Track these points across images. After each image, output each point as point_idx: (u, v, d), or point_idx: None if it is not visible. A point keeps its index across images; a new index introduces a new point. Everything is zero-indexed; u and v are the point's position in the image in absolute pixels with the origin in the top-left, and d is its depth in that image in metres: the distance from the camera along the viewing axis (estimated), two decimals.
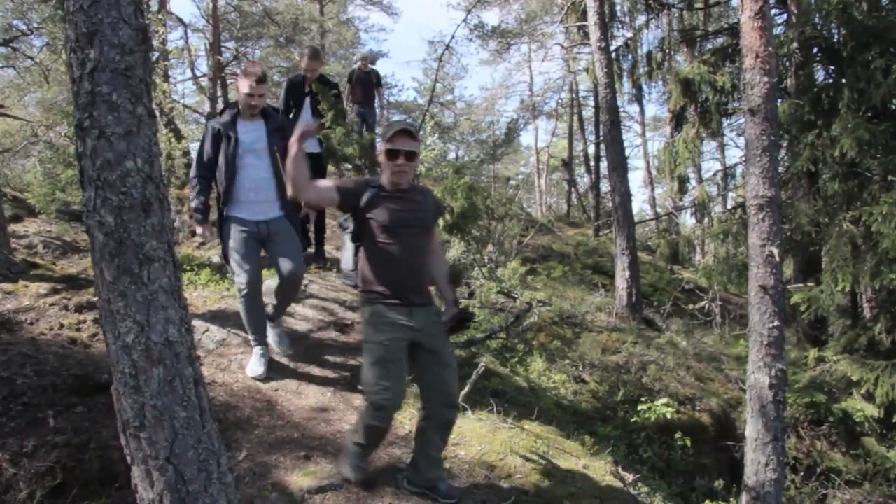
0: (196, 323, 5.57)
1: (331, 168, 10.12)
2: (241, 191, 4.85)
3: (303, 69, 7.32)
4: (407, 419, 4.95)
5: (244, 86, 5.01)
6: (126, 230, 2.48)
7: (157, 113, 11.79)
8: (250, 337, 5.17)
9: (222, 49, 22.74)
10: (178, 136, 12.74)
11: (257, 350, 5.17)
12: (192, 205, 4.99)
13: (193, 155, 5.27)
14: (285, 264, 4.89)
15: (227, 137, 4.84)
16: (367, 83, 11.76)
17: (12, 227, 9.36)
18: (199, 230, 5.15)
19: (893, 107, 8.96)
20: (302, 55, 7.28)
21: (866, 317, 9.80)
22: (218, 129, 4.88)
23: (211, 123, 4.96)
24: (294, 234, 5.06)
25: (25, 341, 4.81)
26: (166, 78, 14.18)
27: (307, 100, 7.25)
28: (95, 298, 5.62)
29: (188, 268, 7.21)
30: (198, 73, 22.71)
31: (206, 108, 21.46)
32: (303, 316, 6.36)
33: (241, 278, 4.85)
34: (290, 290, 5.15)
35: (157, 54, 12.84)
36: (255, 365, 5.13)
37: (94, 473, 3.61)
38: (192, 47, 21.52)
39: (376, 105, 12.30)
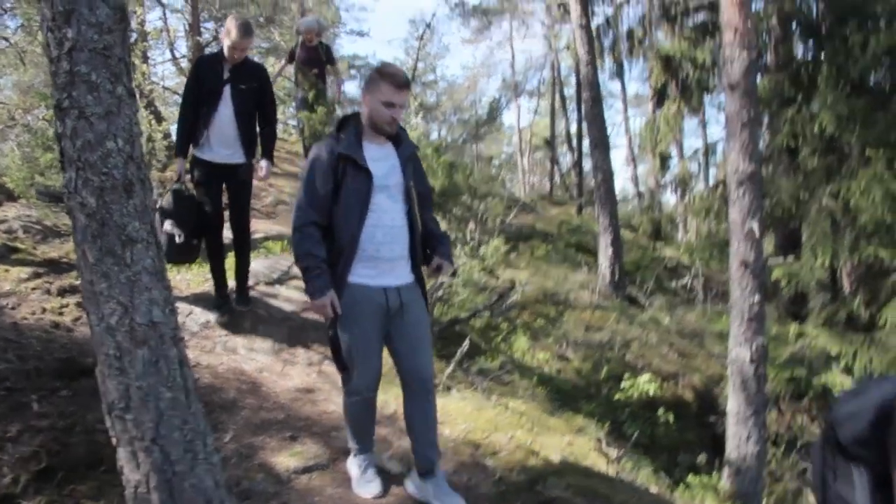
0: (180, 305, 5.55)
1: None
2: (371, 244, 3.35)
3: (227, 46, 5.18)
4: (391, 399, 4.97)
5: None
6: (108, 211, 2.46)
7: (137, 95, 11.66)
8: (351, 444, 3.80)
9: (202, 30, 22.45)
10: (159, 118, 12.63)
11: (360, 461, 3.78)
12: (303, 264, 3.29)
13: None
14: (414, 364, 3.51)
15: (352, 167, 3.33)
16: (315, 61, 9.62)
17: None
18: (320, 302, 3.26)
19: (871, 82, 9.02)
20: (228, 29, 5.15)
21: (845, 291, 9.91)
22: (339, 154, 3.33)
23: (322, 147, 3.40)
24: (426, 312, 3.66)
25: (7, 326, 4.78)
26: (145, 59, 13.99)
27: (226, 89, 5.24)
28: (78, 282, 5.59)
29: None
30: (177, 55, 22.41)
31: None
32: (286, 297, 6.36)
33: (360, 380, 3.47)
34: (422, 405, 3.65)
35: (135, 35, 12.68)
36: (366, 484, 3.72)
37: (80, 457, 3.60)
38: (171, 28, 21.17)
39: (329, 88, 10.13)
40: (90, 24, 2.41)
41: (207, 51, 23.06)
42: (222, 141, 5.27)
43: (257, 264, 6.80)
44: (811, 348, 8.70)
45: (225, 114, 5.24)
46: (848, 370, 8.19)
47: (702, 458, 6.39)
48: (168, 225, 5.14)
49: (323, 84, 9.50)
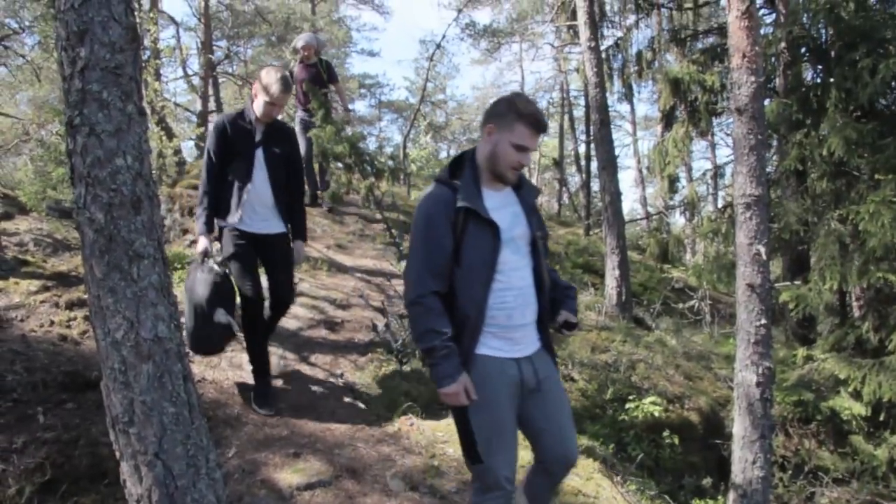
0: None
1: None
2: (501, 311, 2.81)
3: (264, 102, 4.48)
4: (396, 417, 4.98)
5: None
6: (116, 227, 2.50)
7: (149, 112, 11.79)
8: None
9: (214, 48, 22.70)
10: (170, 135, 12.75)
11: None
12: (427, 345, 2.73)
13: (420, 256, 2.84)
14: (563, 449, 3.02)
15: (475, 221, 2.79)
16: (316, 80, 8.89)
17: (3, 224, 9.34)
18: (451, 390, 2.71)
19: (880, 106, 9.03)
20: (267, 84, 4.43)
21: (854, 315, 9.86)
22: (462, 208, 2.77)
23: (435, 200, 2.84)
24: (562, 383, 3.22)
25: (16, 338, 4.82)
26: (158, 76, 14.17)
27: (259, 153, 4.61)
28: (86, 295, 5.63)
29: (179, 266, 7.22)
30: (189, 72, 22.67)
31: (198, 106, 21.41)
32: (293, 314, 6.38)
33: (502, 471, 2.84)
34: (557, 482, 3.29)
35: (148, 53, 12.85)
36: None
37: (84, 470, 3.63)
38: (184, 46, 21.49)
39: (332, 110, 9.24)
40: (103, 43, 2.46)
41: (220, 69, 23.35)
42: (259, 211, 4.61)
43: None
44: (819, 372, 8.65)
45: (260, 181, 4.57)
46: (856, 395, 8.13)
47: (707, 482, 6.36)
48: (221, 315, 4.37)
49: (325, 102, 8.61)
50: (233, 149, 4.55)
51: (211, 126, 4.68)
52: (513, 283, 2.83)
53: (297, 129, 8.90)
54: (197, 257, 4.55)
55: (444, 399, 2.80)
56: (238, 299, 4.74)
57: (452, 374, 2.70)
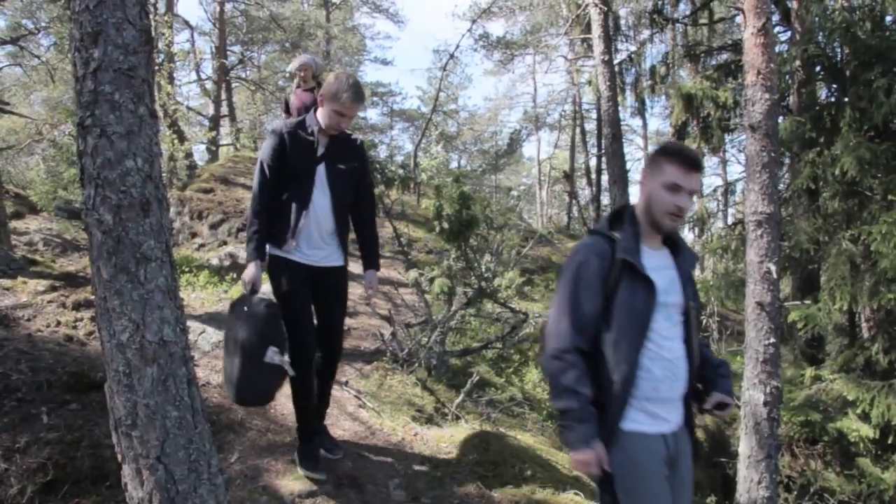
0: (193, 324, 5.58)
1: None
2: (649, 381, 2.56)
3: (332, 111, 3.90)
4: (400, 426, 4.95)
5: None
6: (124, 229, 2.49)
7: (161, 115, 11.84)
8: None
9: (228, 53, 22.82)
10: (182, 139, 12.80)
11: None
12: (563, 404, 2.51)
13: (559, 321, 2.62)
14: None
15: (630, 277, 2.56)
16: (313, 103, 7.02)
17: (13, 223, 9.39)
18: (583, 456, 2.48)
19: (895, 127, 8.98)
20: (336, 91, 3.86)
21: (864, 336, 9.79)
22: (620, 260, 2.56)
23: (589, 248, 2.63)
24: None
25: (22, 338, 4.82)
26: (171, 80, 14.24)
27: (321, 169, 3.98)
28: (93, 296, 5.64)
29: (187, 269, 7.23)
30: (203, 76, 22.82)
31: (210, 110, 21.52)
32: None
33: None
34: None
35: (162, 56, 12.91)
36: None
37: (86, 471, 3.62)
38: (198, 50, 21.64)
39: None
40: (116, 45, 2.46)
41: (233, 74, 23.45)
42: (317, 238, 3.96)
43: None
44: (827, 393, 8.59)
45: (321, 203, 3.92)
46: (865, 417, 8.06)
47: (711, 500, 6.31)
48: (274, 354, 3.69)
49: None
50: (291, 164, 3.89)
51: (267, 135, 3.99)
52: (663, 353, 2.58)
53: None
54: (244, 288, 3.89)
55: (575, 466, 2.56)
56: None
57: (587, 439, 2.46)
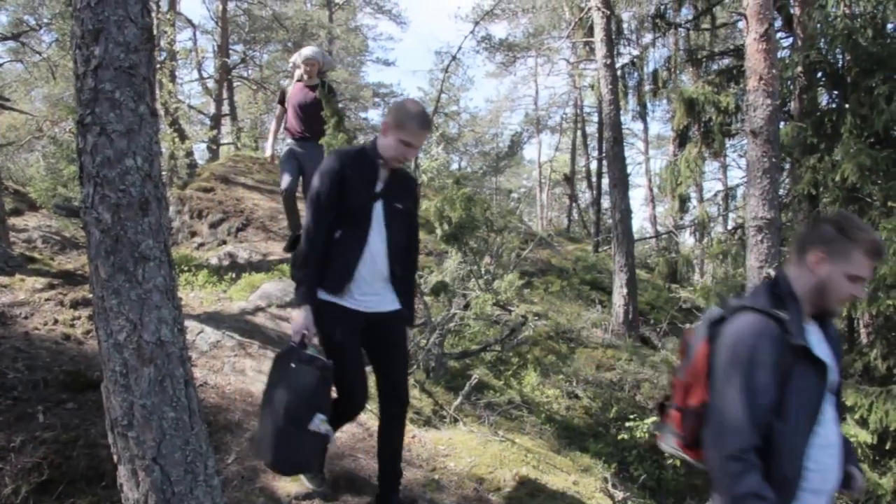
0: (191, 324, 5.57)
1: None
2: (818, 473, 2.35)
3: (398, 141, 3.44)
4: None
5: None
6: (123, 228, 2.48)
7: (162, 113, 11.84)
8: None
9: (230, 52, 22.82)
10: (183, 137, 12.80)
11: None
12: None
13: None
14: None
15: (802, 363, 2.31)
16: (313, 107, 7.34)
17: (12, 220, 9.37)
18: None
19: (895, 134, 8.99)
20: (402, 120, 3.41)
21: (862, 342, 9.78)
22: (796, 346, 2.30)
23: (759, 331, 2.31)
24: None
25: (19, 336, 4.80)
26: (173, 78, 14.25)
27: (378, 207, 3.56)
28: (91, 295, 5.62)
29: (186, 269, 7.21)
30: (205, 75, 22.80)
31: (212, 109, 21.50)
32: None
33: None
34: None
35: (164, 54, 12.91)
36: None
37: (81, 471, 3.60)
38: (200, 49, 21.59)
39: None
40: (118, 43, 2.45)
41: (235, 73, 23.44)
42: (372, 284, 3.55)
43: (270, 286, 6.82)
44: None
45: (377, 244, 3.52)
46: (863, 422, 8.05)
47: None
48: (321, 423, 3.27)
49: (321, 128, 7.17)
50: (349, 199, 3.46)
51: (323, 165, 3.52)
52: (830, 439, 2.36)
53: (284, 161, 7.52)
54: (293, 338, 3.43)
55: None
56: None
57: None
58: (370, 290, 3.55)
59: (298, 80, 7.59)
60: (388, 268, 3.58)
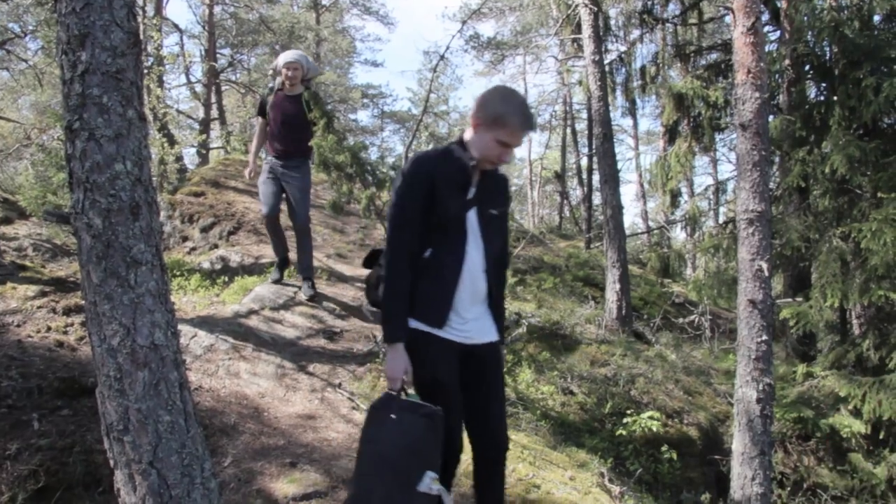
0: (184, 328, 5.56)
1: (322, 177, 10.07)
2: None
3: (497, 142, 2.90)
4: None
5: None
6: (114, 233, 2.48)
7: (151, 118, 11.80)
8: None
9: (217, 56, 22.77)
10: (172, 142, 12.75)
11: None
12: None
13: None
14: None
15: None
16: (296, 118, 6.64)
17: (2, 229, 9.33)
18: None
19: (884, 125, 9.04)
20: (503, 115, 2.86)
21: (855, 333, 9.83)
22: None
23: None
24: None
25: (11, 343, 4.79)
26: (161, 83, 14.18)
27: (472, 216, 3.02)
28: (83, 301, 5.60)
29: (178, 273, 7.20)
30: (192, 79, 22.75)
31: (200, 114, 21.46)
32: (291, 323, 6.35)
33: None
34: None
35: (151, 59, 12.86)
36: None
37: (78, 477, 3.60)
38: (188, 53, 21.53)
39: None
40: (104, 47, 2.45)
41: (223, 77, 23.37)
42: (471, 307, 3.01)
43: (263, 289, 6.81)
44: (819, 389, 8.62)
45: (474, 260, 2.98)
46: (856, 413, 8.09)
47: (705, 498, 6.31)
48: (431, 482, 2.73)
49: (302, 153, 6.74)
50: (441, 208, 2.90)
51: (405, 167, 3.00)
52: None
53: (263, 183, 6.78)
54: (389, 385, 2.89)
55: None
56: None
57: None
58: (470, 317, 3.00)
59: (279, 90, 6.70)
60: (486, 287, 3.04)
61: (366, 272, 3.28)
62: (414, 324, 2.91)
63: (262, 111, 6.85)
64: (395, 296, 2.88)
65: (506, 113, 2.86)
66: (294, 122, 6.64)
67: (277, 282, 7.12)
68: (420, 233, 2.90)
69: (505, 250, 3.23)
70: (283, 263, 7.25)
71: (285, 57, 6.67)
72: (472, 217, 2.98)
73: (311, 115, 6.63)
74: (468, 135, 2.99)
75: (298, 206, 6.74)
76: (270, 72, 7.25)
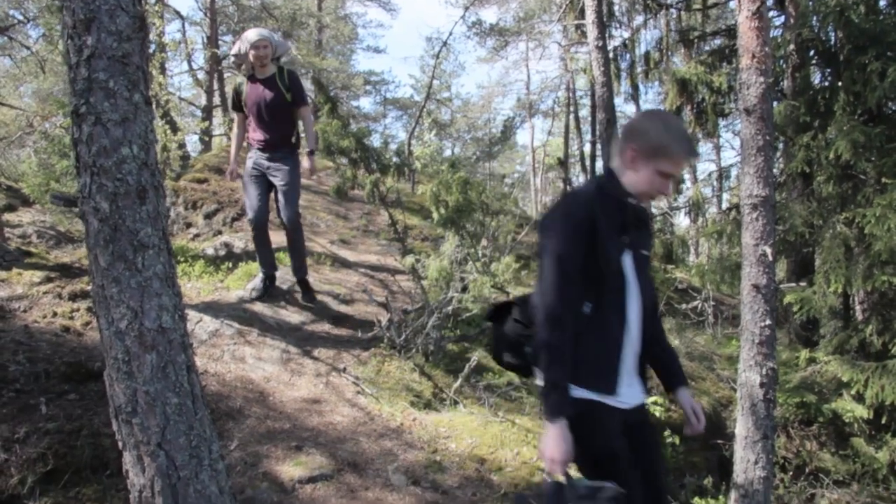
0: (189, 313, 5.58)
1: (326, 163, 10.06)
2: None
3: (663, 172, 2.54)
4: (398, 412, 4.96)
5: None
6: (121, 216, 2.49)
7: (154, 105, 11.79)
8: None
9: (219, 42, 22.72)
10: (174, 129, 12.75)
11: None
12: None
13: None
14: None
15: None
16: (275, 102, 5.94)
17: (6, 216, 9.36)
18: None
19: (888, 110, 9.00)
20: (669, 141, 2.51)
21: (858, 318, 9.83)
22: None
23: None
24: None
25: (18, 329, 4.81)
26: (163, 70, 14.16)
27: (628, 260, 2.61)
28: (89, 287, 5.63)
29: (182, 259, 7.21)
30: (194, 66, 22.70)
31: (203, 101, 21.43)
32: (296, 308, 6.37)
33: None
34: None
35: (153, 46, 12.84)
36: None
37: (86, 460, 3.63)
38: (189, 40, 21.44)
39: (303, 154, 6.32)
40: (110, 32, 2.46)
41: (225, 64, 23.34)
42: (631, 367, 2.64)
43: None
44: (822, 375, 8.63)
45: (633, 312, 2.61)
46: (859, 398, 8.11)
47: (708, 482, 6.34)
48: None
49: (285, 145, 6.07)
50: (602, 256, 2.51)
51: (561, 208, 2.71)
52: None
53: (248, 181, 6.14)
54: (550, 468, 2.38)
55: None
56: None
57: None
58: (630, 377, 2.63)
59: (249, 77, 6.06)
60: (640, 340, 2.66)
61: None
62: (580, 392, 2.48)
63: (237, 104, 6.18)
64: (560, 363, 2.41)
65: (669, 141, 2.54)
66: (274, 107, 5.96)
67: (260, 298, 6.29)
68: (582, 281, 2.49)
69: (656, 295, 2.92)
70: (269, 280, 6.43)
71: (249, 37, 5.91)
72: (627, 262, 2.60)
73: (288, 96, 5.94)
74: (618, 166, 2.64)
75: (287, 201, 6.04)
76: (233, 58, 6.34)
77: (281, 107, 5.96)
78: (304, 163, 6.18)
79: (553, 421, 2.36)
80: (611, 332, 2.55)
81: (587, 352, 2.48)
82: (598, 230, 2.48)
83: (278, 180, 6.03)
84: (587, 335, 2.49)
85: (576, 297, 2.49)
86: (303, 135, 6.39)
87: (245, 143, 6.39)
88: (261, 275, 6.41)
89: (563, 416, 2.37)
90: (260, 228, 6.14)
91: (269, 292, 6.42)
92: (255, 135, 6.07)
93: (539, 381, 2.44)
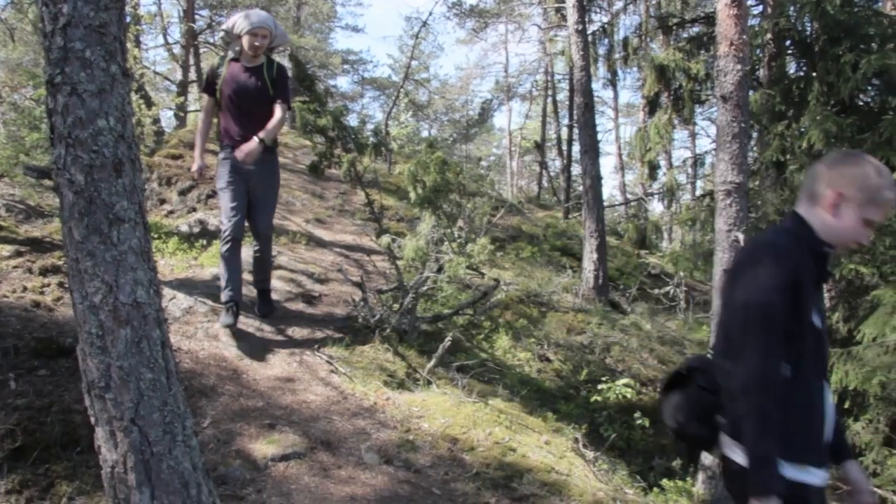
0: (163, 290, 5.53)
1: (305, 141, 9.99)
2: None
3: (869, 221, 2.29)
4: (372, 391, 4.98)
5: None
6: (96, 189, 2.46)
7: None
8: None
9: (196, 17, 22.36)
10: (149, 104, 12.58)
11: None
12: None
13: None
14: None
15: None
16: (259, 93, 5.28)
17: None
18: None
19: (860, 101, 9.11)
20: (880, 190, 2.25)
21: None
22: None
23: None
24: None
25: None
26: (137, 44, 13.96)
27: (817, 319, 2.31)
28: (60, 262, 5.55)
29: (156, 236, 7.14)
30: (170, 41, 22.34)
31: (178, 76, 21.13)
32: (272, 287, 6.34)
33: None
34: None
35: (128, 19, 12.62)
36: None
37: (56, 437, 3.59)
38: (165, 13, 21.13)
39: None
40: (86, 0, 2.41)
41: (201, 38, 23.00)
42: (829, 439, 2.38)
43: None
44: None
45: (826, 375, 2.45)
46: None
47: (676, 464, 6.43)
48: None
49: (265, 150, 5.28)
50: (806, 316, 2.25)
51: (768, 258, 2.24)
52: None
53: (223, 181, 5.37)
54: None
55: None
56: None
57: None
58: (827, 452, 2.36)
59: (235, 59, 5.34)
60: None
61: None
62: (790, 472, 2.19)
63: (210, 86, 5.42)
64: (770, 434, 2.13)
65: (883, 187, 2.27)
66: (254, 99, 5.28)
67: (231, 326, 5.29)
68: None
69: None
70: (235, 307, 5.35)
71: (251, 19, 5.17)
72: (817, 320, 2.30)
73: (272, 91, 5.28)
74: (807, 211, 2.38)
75: (263, 208, 5.46)
76: (222, 35, 5.41)
77: (262, 100, 5.27)
78: (250, 143, 5.17)
79: (763, 499, 2.11)
80: (813, 400, 2.28)
81: (792, 423, 2.21)
82: (802, 284, 2.21)
83: (256, 184, 5.37)
84: (790, 404, 2.21)
85: (783, 362, 2.20)
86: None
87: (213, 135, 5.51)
88: (225, 300, 5.36)
89: (775, 494, 2.11)
90: (235, 244, 5.35)
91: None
92: (231, 129, 5.35)
93: (730, 453, 2.27)
